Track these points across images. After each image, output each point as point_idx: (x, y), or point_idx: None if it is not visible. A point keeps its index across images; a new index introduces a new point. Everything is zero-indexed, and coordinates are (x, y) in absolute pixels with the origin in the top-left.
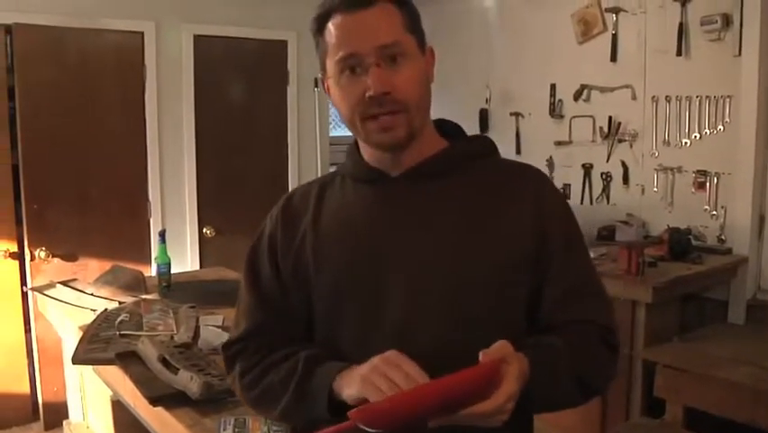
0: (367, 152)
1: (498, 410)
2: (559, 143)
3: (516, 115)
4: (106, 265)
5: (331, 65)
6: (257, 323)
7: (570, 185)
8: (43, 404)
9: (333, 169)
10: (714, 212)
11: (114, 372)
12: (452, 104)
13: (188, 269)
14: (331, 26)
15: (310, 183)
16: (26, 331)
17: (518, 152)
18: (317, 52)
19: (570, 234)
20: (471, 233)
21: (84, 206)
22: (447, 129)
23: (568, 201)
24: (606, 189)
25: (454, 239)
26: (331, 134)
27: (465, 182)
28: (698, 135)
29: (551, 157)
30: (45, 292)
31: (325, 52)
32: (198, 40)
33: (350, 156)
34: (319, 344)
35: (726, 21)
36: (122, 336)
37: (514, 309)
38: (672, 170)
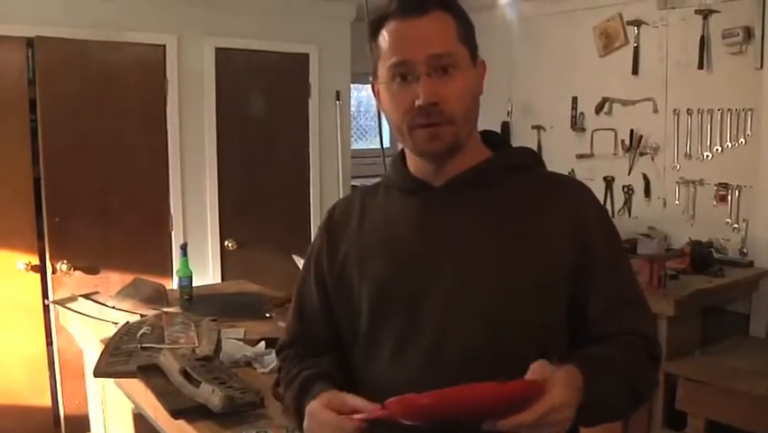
0: (412, 163)
1: (538, 422)
2: (580, 156)
3: (538, 128)
4: (128, 278)
5: (383, 70)
6: (294, 334)
7: None
8: (65, 417)
9: (354, 182)
10: (735, 225)
11: (135, 385)
12: None
13: (210, 282)
14: (385, 31)
15: (352, 194)
16: (48, 344)
17: None
18: (371, 57)
19: (611, 246)
20: (511, 244)
21: (105, 219)
22: (492, 140)
23: None
24: (627, 202)
25: (494, 250)
26: (352, 147)
27: (506, 193)
28: (719, 148)
29: (572, 170)
30: (67, 305)
31: (378, 57)
32: (220, 53)
33: (394, 167)
34: (361, 354)
35: (748, 34)
36: (143, 348)
37: (550, 322)
38: (693, 183)
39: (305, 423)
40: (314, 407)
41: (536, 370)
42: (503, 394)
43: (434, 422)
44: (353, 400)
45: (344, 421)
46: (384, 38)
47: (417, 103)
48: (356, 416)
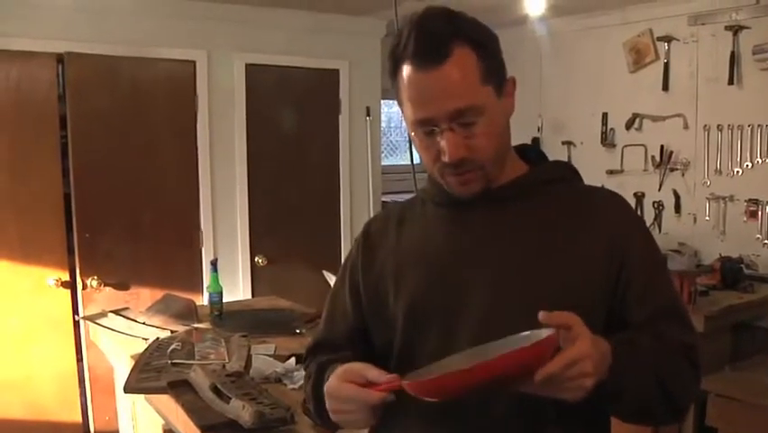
0: None
1: (561, 371)
2: (611, 172)
3: (568, 143)
4: (158, 294)
5: (407, 114)
6: (319, 340)
7: None
8: None
9: (384, 198)
10: (766, 241)
11: (166, 400)
12: None
13: (240, 298)
14: (404, 76)
15: (389, 208)
16: (78, 360)
17: None
18: (393, 89)
19: (649, 256)
20: (545, 258)
21: (136, 234)
22: (530, 154)
23: None
24: (658, 218)
25: (528, 264)
26: (382, 163)
27: (541, 207)
28: (749, 164)
29: (602, 186)
30: (97, 321)
31: (401, 98)
32: (250, 69)
33: (430, 180)
34: (395, 367)
35: None
36: (174, 364)
37: None
38: (723, 198)
39: (328, 405)
40: (332, 385)
41: (560, 314)
42: (518, 363)
43: (454, 398)
44: (370, 372)
45: (369, 394)
46: (403, 84)
47: (443, 159)
48: (378, 387)
